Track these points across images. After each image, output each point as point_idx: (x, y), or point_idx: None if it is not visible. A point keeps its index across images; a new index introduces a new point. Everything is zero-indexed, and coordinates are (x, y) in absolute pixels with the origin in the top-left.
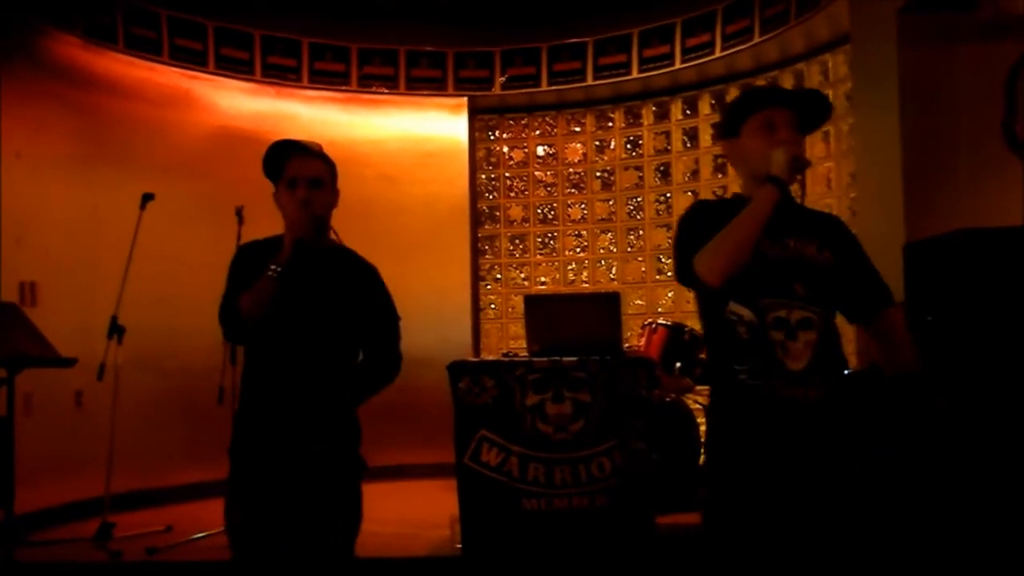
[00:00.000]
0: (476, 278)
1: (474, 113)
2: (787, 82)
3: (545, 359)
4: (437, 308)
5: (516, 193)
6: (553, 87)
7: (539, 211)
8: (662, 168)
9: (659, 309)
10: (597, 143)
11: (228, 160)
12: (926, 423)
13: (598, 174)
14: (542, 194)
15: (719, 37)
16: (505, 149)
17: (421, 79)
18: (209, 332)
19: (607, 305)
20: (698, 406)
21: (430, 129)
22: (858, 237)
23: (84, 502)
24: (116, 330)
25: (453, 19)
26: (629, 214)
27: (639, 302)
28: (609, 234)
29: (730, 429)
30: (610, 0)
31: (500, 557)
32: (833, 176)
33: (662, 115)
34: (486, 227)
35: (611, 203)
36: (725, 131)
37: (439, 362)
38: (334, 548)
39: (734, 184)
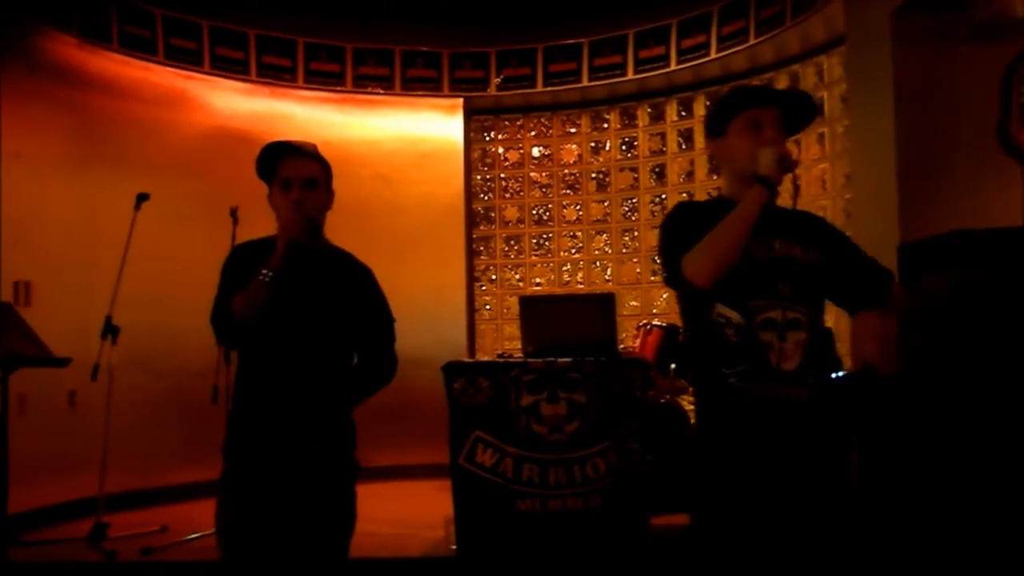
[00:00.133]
0: (471, 279)
1: (469, 114)
2: (782, 83)
3: (540, 360)
4: (432, 309)
5: (511, 194)
6: (548, 88)
7: (534, 212)
8: (657, 169)
9: (654, 310)
10: (592, 144)
11: (223, 160)
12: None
13: (593, 175)
14: (537, 195)
15: (715, 38)
16: (500, 150)
17: (416, 79)
18: (204, 332)
19: (602, 306)
20: (693, 407)
21: (425, 129)
22: (853, 239)
23: (78, 502)
24: (110, 330)
25: (449, 19)
26: (624, 215)
27: (634, 303)
28: (604, 235)
29: (721, 432)
30: (606, 1)
31: (495, 558)
32: (828, 177)
33: (657, 116)
34: (481, 228)
35: (606, 204)
36: (711, 130)
37: (434, 363)
38: (328, 550)
39: None
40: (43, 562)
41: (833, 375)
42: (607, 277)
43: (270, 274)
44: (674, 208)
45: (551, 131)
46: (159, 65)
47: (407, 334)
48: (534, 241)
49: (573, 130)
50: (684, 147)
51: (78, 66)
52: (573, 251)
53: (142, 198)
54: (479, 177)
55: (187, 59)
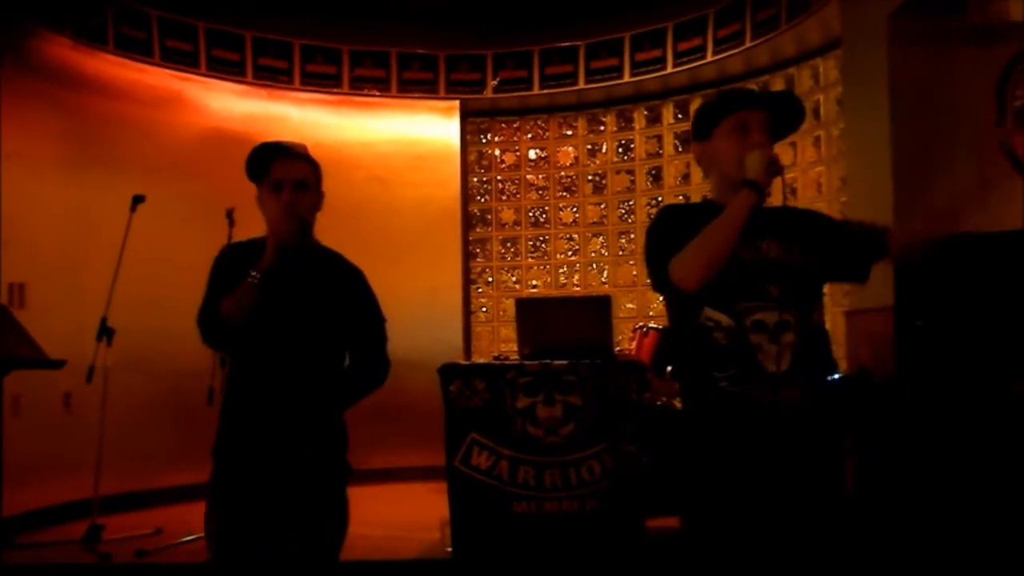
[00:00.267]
0: (467, 281)
1: (466, 116)
2: (778, 86)
3: (536, 362)
4: (428, 311)
5: (508, 196)
6: (545, 90)
7: (531, 214)
8: (654, 172)
9: (650, 313)
10: (589, 146)
11: (219, 162)
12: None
13: (590, 177)
14: (534, 197)
15: (711, 41)
16: (497, 152)
17: (413, 81)
18: (199, 334)
19: (598, 308)
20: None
21: (422, 132)
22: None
23: (73, 504)
24: (105, 332)
25: (445, 22)
26: (621, 218)
27: (630, 305)
28: (600, 237)
29: (712, 436)
30: (602, 4)
31: (490, 560)
32: (824, 180)
33: (654, 119)
34: (477, 230)
35: (603, 207)
36: (698, 133)
37: (430, 365)
38: (319, 553)
39: None
40: (37, 564)
41: (829, 378)
42: (603, 279)
43: (259, 276)
44: (660, 212)
45: (547, 133)
46: (155, 67)
47: (403, 336)
48: (530, 243)
49: (569, 132)
50: (680, 150)
51: (73, 67)
52: (569, 253)
53: (138, 200)
54: (475, 179)
55: (183, 61)
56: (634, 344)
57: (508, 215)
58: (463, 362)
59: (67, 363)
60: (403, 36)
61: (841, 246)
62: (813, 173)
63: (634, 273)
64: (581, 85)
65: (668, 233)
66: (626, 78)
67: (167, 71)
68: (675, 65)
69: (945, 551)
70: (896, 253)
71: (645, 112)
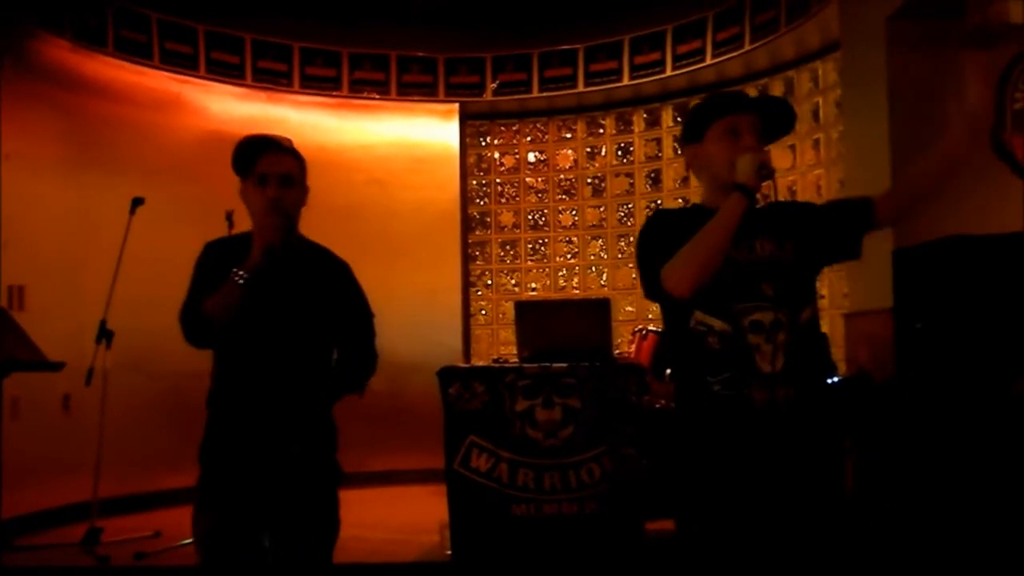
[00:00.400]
0: (467, 284)
1: (465, 119)
2: (777, 89)
3: (535, 365)
4: (427, 314)
5: (507, 199)
6: (544, 93)
7: (530, 217)
8: (653, 175)
9: (649, 316)
10: (588, 149)
11: (218, 164)
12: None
13: (589, 180)
14: (533, 200)
15: (710, 44)
16: (496, 155)
17: (412, 84)
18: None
19: (597, 311)
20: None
21: (421, 134)
22: None
23: (72, 506)
24: (105, 334)
25: (444, 24)
26: (620, 220)
27: (629, 308)
28: (600, 240)
29: (708, 438)
30: (601, 7)
31: (490, 563)
32: (823, 183)
33: (653, 122)
34: (477, 233)
35: (602, 209)
36: (688, 136)
37: (429, 367)
38: (309, 554)
39: None
40: (36, 567)
41: (828, 380)
42: (603, 282)
43: (245, 276)
44: (650, 217)
45: (547, 136)
46: (154, 69)
47: (402, 339)
48: (530, 246)
49: (569, 135)
50: (680, 153)
51: (73, 69)
52: (569, 256)
53: (137, 202)
54: (475, 182)
55: (183, 63)
56: (633, 347)
57: (507, 218)
58: (462, 365)
59: (66, 365)
60: (402, 39)
61: (830, 226)
62: (812, 176)
63: (633, 276)
64: (580, 88)
65: (659, 239)
66: (625, 81)
67: (167, 73)
68: (674, 68)
69: (945, 551)
70: (883, 219)
71: (644, 115)
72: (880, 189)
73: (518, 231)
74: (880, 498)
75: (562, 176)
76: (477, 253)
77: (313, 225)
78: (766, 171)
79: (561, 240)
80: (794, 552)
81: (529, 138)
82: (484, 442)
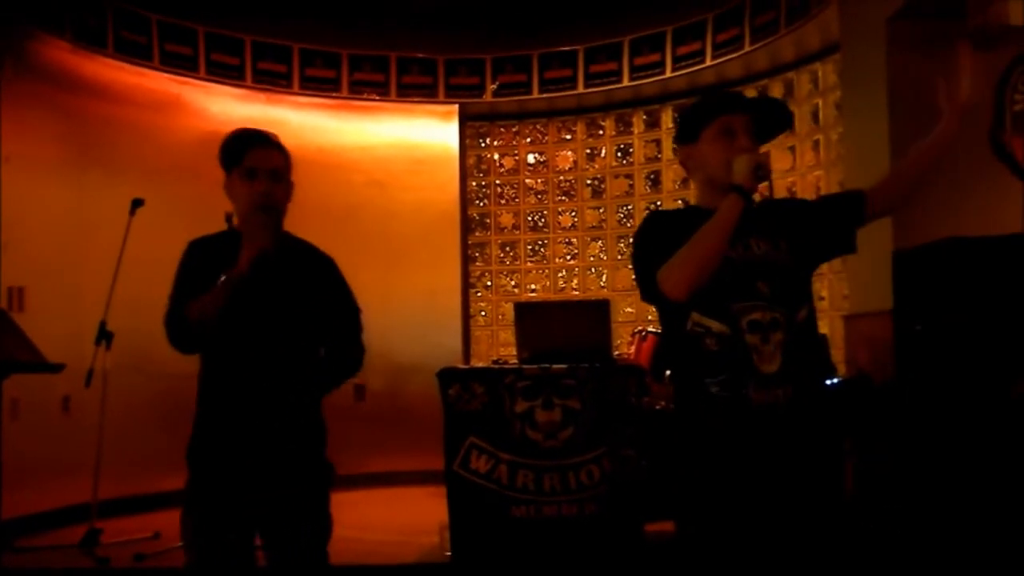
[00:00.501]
0: (466, 285)
1: (465, 120)
2: (777, 90)
3: (535, 366)
4: (427, 315)
5: (506, 200)
6: (544, 94)
7: (529, 218)
8: (652, 176)
9: (649, 317)
10: (588, 151)
11: (218, 166)
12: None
13: (588, 182)
14: (532, 201)
15: (710, 46)
16: (496, 156)
17: (412, 86)
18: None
19: (597, 312)
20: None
21: (421, 136)
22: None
23: (72, 508)
24: (104, 335)
25: (444, 26)
26: (619, 222)
27: (629, 310)
28: (599, 242)
29: (707, 442)
30: (601, 8)
31: (489, 564)
32: (823, 184)
33: (652, 123)
34: (476, 234)
35: (601, 211)
36: (683, 136)
37: (429, 369)
38: (304, 554)
39: None
40: (36, 568)
41: (827, 382)
42: (602, 283)
43: (231, 281)
44: (645, 219)
45: (546, 137)
46: (154, 70)
47: (401, 339)
48: (529, 247)
49: (568, 136)
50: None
51: (73, 71)
52: (568, 257)
53: (137, 204)
54: (474, 183)
55: (183, 65)
56: (633, 348)
57: (507, 219)
58: (462, 366)
59: (66, 366)
60: (402, 40)
61: (823, 221)
62: (812, 177)
63: (633, 277)
64: (580, 89)
65: (655, 241)
66: (625, 82)
67: (166, 75)
68: (674, 69)
69: (945, 552)
70: (876, 210)
71: (644, 116)
72: None
73: (518, 232)
74: (880, 499)
75: (562, 177)
76: (477, 254)
77: (313, 226)
78: (763, 172)
79: (561, 241)
80: (793, 553)
81: (529, 139)
82: (484, 443)
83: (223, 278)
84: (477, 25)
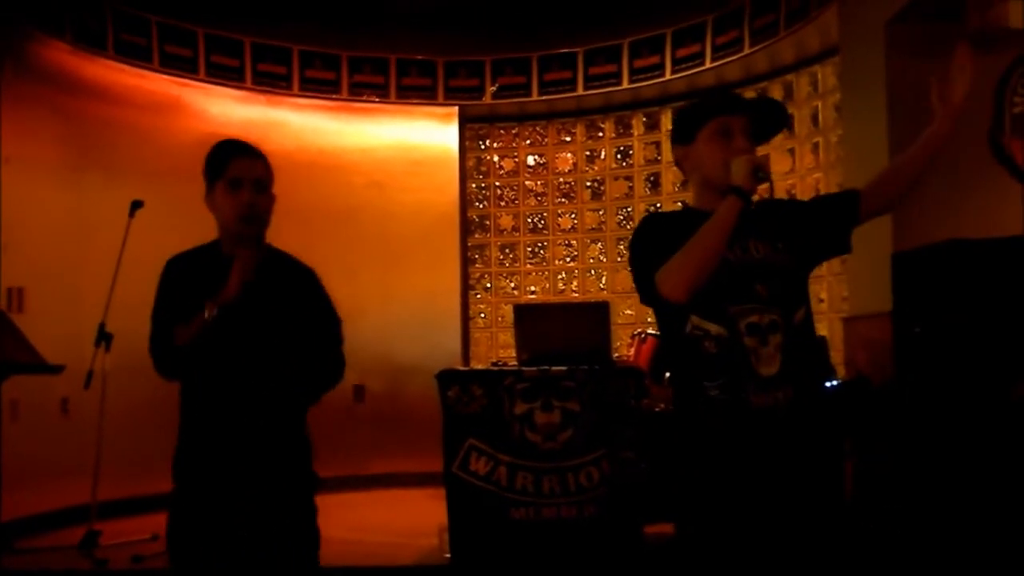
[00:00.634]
0: (466, 287)
1: (464, 122)
2: (776, 93)
3: (534, 368)
4: (426, 317)
5: (506, 202)
6: (543, 97)
7: (529, 220)
8: (652, 178)
9: (648, 319)
10: (587, 153)
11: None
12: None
13: (588, 184)
14: (532, 203)
15: (709, 48)
16: (495, 158)
17: (411, 87)
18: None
19: (596, 314)
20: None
21: (420, 137)
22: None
23: (70, 509)
24: (104, 337)
25: (444, 28)
26: (619, 224)
27: (628, 312)
28: (599, 244)
29: (707, 444)
30: (601, 10)
31: (488, 566)
32: (822, 186)
33: (652, 125)
34: (476, 236)
35: (601, 213)
36: (679, 136)
37: (428, 370)
38: (294, 565)
39: None
40: (35, 570)
41: (827, 384)
42: (602, 285)
43: (215, 311)
44: (642, 222)
45: (546, 139)
46: (154, 72)
47: (401, 341)
48: (529, 249)
49: (568, 139)
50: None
51: (73, 72)
52: (568, 259)
53: (136, 205)
54: (474, 185)
55: (182, 66)
56: (632, 350)
57: (507, 221)
58: (461, 368)
59: (65, 368)
60: (402, 42)
61: (818, 222)
62: (811, 179)
63: (631, 279)
64: (580, 91)
65: (652, 243)
66: (625, 84)
67: (166, 76)
68: (674, 72)
69: (945, 554)
70: (871, 210)
71: (644, 118)
72: None
73: (517, 234)
74: (879, 501)
75: (561, 179)
76: (476, 256)
77: (313, 227)
78: (762, 174)
79: (560, 243)
80: (793, 555)
81: (528, 141)
82: (483, 445)
83: (209, 307)
84: (477, 27)
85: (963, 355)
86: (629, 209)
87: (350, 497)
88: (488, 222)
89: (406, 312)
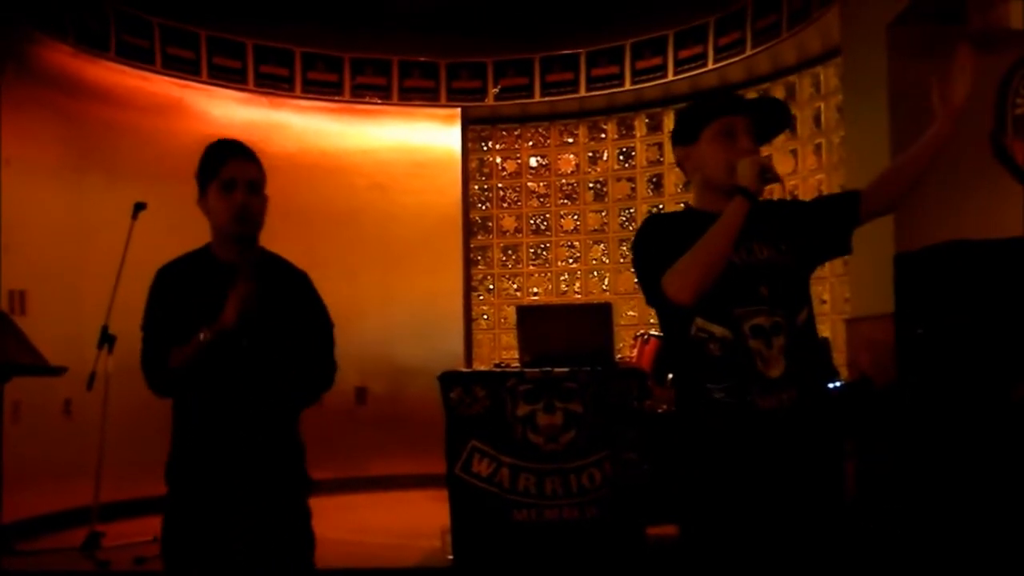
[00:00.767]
0: (468, 288)
1: (467, 123)
2: (778, 94)
3: (537, 370)
4: (429, 318)
5: (508, 204)
6: (546, 98)
7: (531, 222)
8: (655, 179)
9: (651, 320)
10: (590, 154)
11: None
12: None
13: (591, 185)
14: (535, 205)
15: (711, 49)
16: (498, 159)
17: (414, 89)
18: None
19: (599, 316)
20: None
21: (422, 139)
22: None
23: (72, 511)
24: (106, 339)
25: (446, 29)
26: (622, 225)
27: (631, 313)
28: (601, 245)
29: (711, 446)
30: (603, 12)
31: (491, 568)
32: (824, 187)
33: (655, 126)
34: (478, 237)
35: (604, 214)
36: (681, 137)
37: (430, 372)
38: (291, 569)
39: None
40: (37, 571)
41: (830, 385)
42: (604, 287)
43: (211, 336)
44: (644, 223)
45: (548, 141)
46: (156, 74)
47: (403, 343)
48: (531, 251)
49: (571, 140)
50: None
51: (75, 74)
52: (570, 261)
53: (139, 207)
54: (476, 187)
55: (185, 68)
56: (635, 351)
57: (509, 222)
58: (464, 369)
59: (68, 370)
60: (404, 44)
61: (819, 223)
62: (814, 180)
63: (635, 281)
64: (582, 93)
65: (657, 245)
66: (627, 86)
67: (168, 78)
68: (676, 73)
69: (945, 555)
70: (871, 210)
71: (646, 120)
72: None
73: (520, 235)
74: (881, 502)
75: (564, 180)
76: (479, 257)
77: (315, 229)
78: (770, 175)
79: (563, 244)
80: (796, 556)
81: (531, 142)
82: (485, 447)
83: (205, 332)
84: (479, 29)
85: (965, 356)
86: (631, 210)
87: (352, 499)
88: (490, 224)
89: (408, 314)
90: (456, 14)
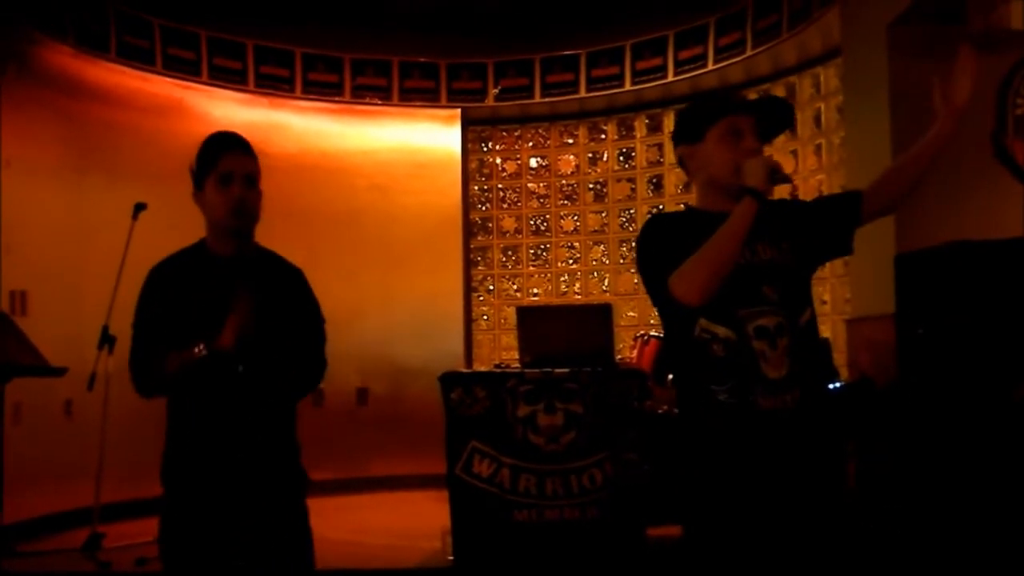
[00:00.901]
0: (468, 289)
1: (467, 124)
2: (779, 94)
3: (537, 370)
4: (429, 319)
5: (509, 204)
6: (546, 99)
7: (532, 222)
8: (655, 180)
9: (651, 321)
10: (590, 155)
11: None
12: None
13: (591, 186)
14: (535, 205)
15: (712, 50)
16: (498, 160)
17: (414, 90)
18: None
19: (599, 316)
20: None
21: (423, 140)
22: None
23: (73, 512)
24: (107, 340)
25: (446, 30)
26: (622, 226)
27: (631, 314)
28: (601, 246)
29: (714, 447)
30: (603, 12)
31: (491, 569)
32: (825, 188)
33: (655, 127)
34: (478, 238)
35: (604, 215)
36: (686, 136)
37: (431, 373)
38: (290, 566)
39: None
40: (38, 572)
41: (830, 385)
42: (604, 287)
43: (206, 353)
44: (648, 223)
45: (548, 141)
46: (157, 75)
47: (404, 344)
48: (531, 252)
49: (571, 141)
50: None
51: (75, 75)
52: (571, 261)
53: (139, 208)
54: (476, 187)
55: (185, 69)
56: (635, 352)
57: (509, 223)
58: (464, 370)
59: (68, 370)
60: (404, 44)
61: (820, 224)
62: (814, 181)
63: (635, 281)
64: (582, 93)
65: (663, 246)
66: (627, 86)
67: (169, 79)
68: (676, 74)
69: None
70: (873, 210)
71: (646, 120)
72: None
73: (520, 236)
74: (882, 501)
75: (564, 181)
76: (479, 258)
77: (315, 229)
78: (780, 176)
79: (563, 245)
80: (798, 557)
81: (531, 143)
82: (486, 447)
83: (201, 348)
84: (479, 29)
85: (966, 357)
86: (632, 211)
87: (352, 499)
88: (490, 224)
89: (408, 315)
90: (456, 14)
